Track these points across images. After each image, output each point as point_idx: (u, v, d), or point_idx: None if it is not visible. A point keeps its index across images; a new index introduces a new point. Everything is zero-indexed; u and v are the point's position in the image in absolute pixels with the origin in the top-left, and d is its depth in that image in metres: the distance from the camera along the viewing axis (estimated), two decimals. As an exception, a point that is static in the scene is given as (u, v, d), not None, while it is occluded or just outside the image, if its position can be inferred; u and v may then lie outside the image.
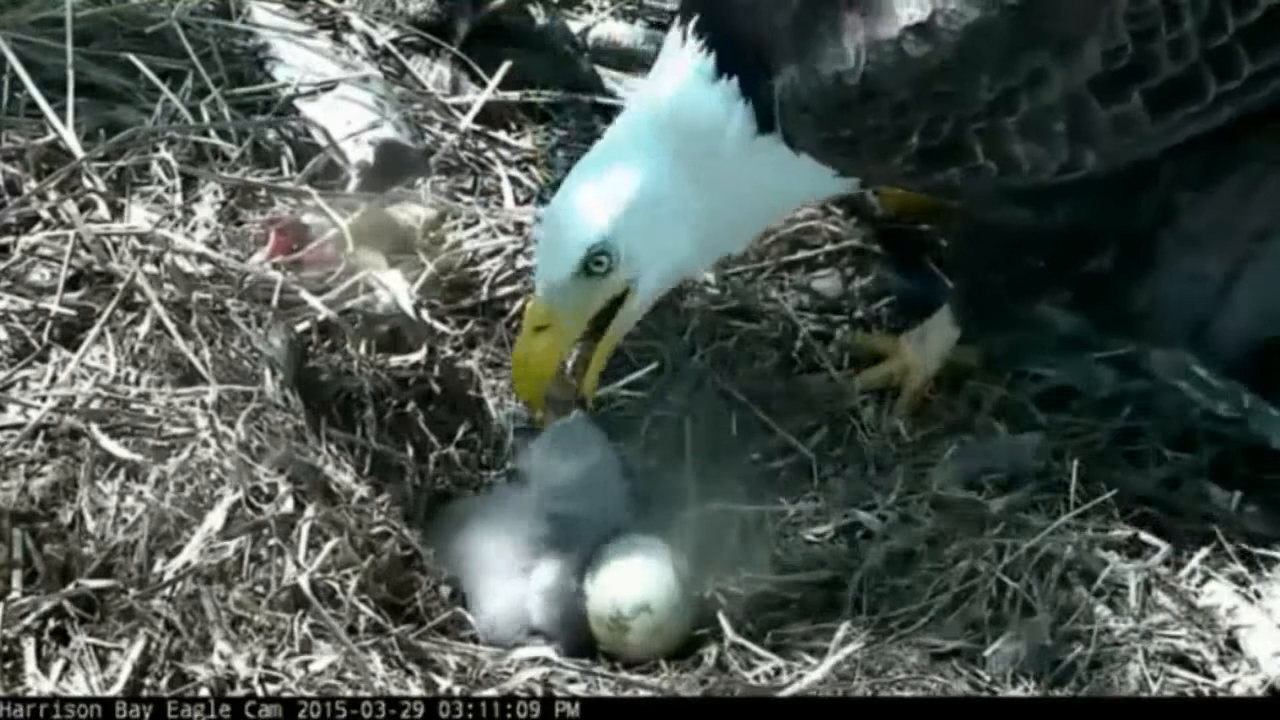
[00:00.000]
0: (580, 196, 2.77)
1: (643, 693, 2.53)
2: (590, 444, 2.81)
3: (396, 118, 3.34)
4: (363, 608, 2.49)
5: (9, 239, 2.94)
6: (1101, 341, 3.05)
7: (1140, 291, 3.07)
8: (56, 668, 2.36)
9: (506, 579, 2.71)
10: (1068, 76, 2.62)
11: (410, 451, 2.85)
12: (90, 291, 2.85)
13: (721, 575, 2.73)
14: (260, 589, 2.46)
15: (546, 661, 2.58)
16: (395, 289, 2.90)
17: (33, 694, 2.32)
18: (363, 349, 2.87)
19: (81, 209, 2.99)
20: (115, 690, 2.33)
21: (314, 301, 2.86)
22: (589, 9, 3.91)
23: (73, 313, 2.81)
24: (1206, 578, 2.68)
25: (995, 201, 2.80)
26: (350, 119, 3.29)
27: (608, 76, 3.66)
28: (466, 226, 3.16)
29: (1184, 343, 3.01)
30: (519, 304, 3.03)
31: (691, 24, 2.73)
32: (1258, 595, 2.65)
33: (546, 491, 2.78)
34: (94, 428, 2.61)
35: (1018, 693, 2.49)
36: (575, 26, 3.76)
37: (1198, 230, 3.02)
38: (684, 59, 2.73)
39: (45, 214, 2.98)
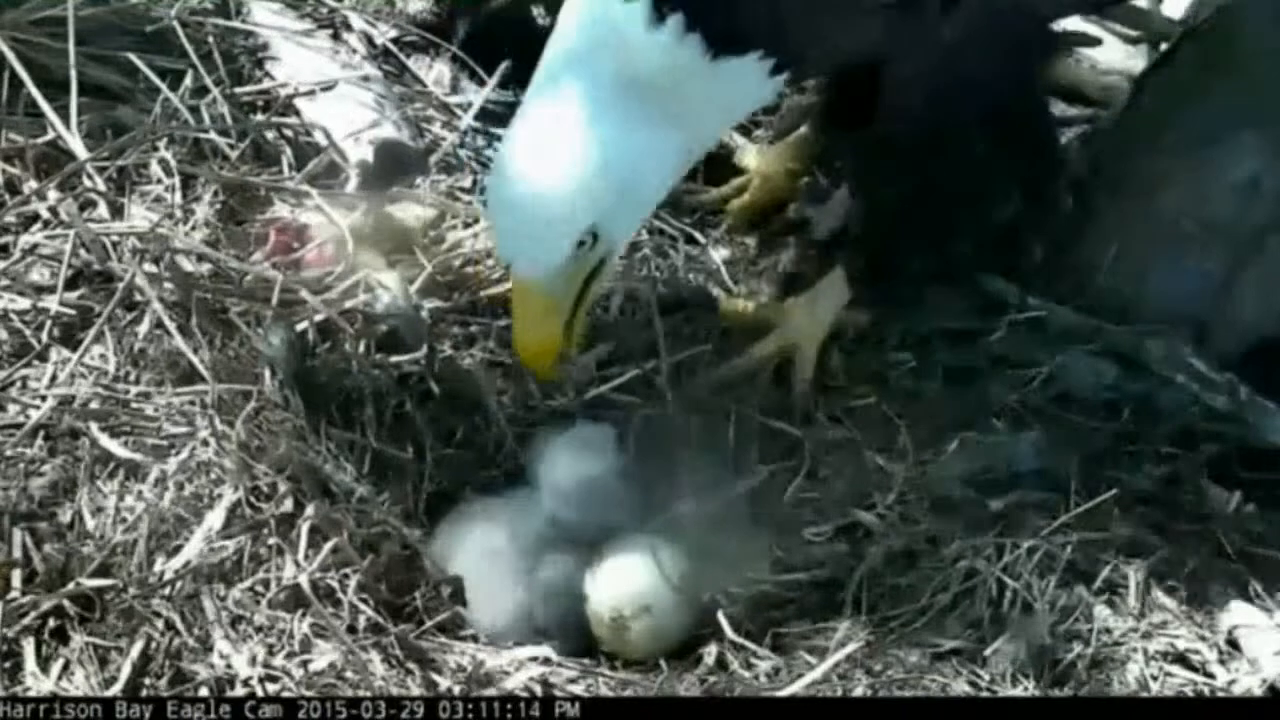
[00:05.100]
0: (555, 180, 2.65)
1: (643, 693, 2.54)
2: (602, 450, 2.83)
3: (396, 117, 3.35)
4: (363, 607, 2.49)
5: (9, 239, 2.94)
6: (1097, 332, 3.04)
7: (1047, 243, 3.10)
8: (56, 667, 2.36)
9: (507, 579, 2.71)
10: None
11: (410, 451, 2.85)
12: (90, 291, 2.85)
13: (721, 575, 2.73)
14: (260, 588, 2.46)
15: (546, 661, 2.57)
16: (395, 289, 2.90)
17: (32, 694, 2.32)
18: (362, 349, 2.87)
19: (81, 208, 2.99)
20: (115, 690, 2.32)
21: (314, 301, 2.86)
22: (588, 8, 3.89)
23: (72, 312, 2.81)
24: (1206, 577, 2.68)
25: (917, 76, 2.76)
26: (350, 118, 3.29)
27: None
28: (466, 226, 3.16)
29: (1182, 335, 3.01)
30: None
31: None
32: (1258, 595, 2.66)
33: (556, 495, 2.79)
34: (93, 427, 2.61)
35: (1018, 692, 2.49)
36: (575, 26, 3.74)
37: (1195, 227, 3.04)
38: (611, 10, 2.67)
39: (45, 213, 2.98)
